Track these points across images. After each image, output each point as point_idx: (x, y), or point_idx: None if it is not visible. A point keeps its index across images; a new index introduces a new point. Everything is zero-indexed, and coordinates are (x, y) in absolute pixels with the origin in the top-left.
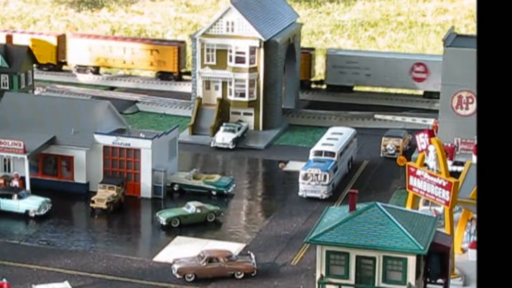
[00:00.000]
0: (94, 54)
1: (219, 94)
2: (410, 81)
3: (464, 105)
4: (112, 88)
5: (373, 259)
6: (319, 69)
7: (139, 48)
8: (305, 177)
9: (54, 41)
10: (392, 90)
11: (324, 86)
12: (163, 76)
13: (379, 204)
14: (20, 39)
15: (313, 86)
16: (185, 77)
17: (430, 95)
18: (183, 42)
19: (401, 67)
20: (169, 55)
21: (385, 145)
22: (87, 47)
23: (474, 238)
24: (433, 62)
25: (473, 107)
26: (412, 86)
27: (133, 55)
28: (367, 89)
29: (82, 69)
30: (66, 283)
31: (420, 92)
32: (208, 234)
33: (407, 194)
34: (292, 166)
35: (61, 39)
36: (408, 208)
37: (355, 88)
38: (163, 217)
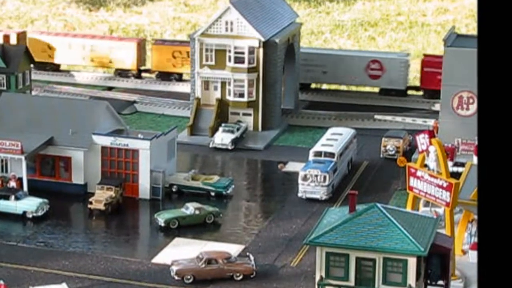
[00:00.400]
0: (53, 51)
1: (218, 94)
2: (366, 78)
3: (464, 106)
4: (110, 88)
5: (373, 260)
6: None
7: (98, 45)
8: (305, 178)
9: (14, 39)
10: (352, 88)
11: None
12: (122, 73)
13: (379, 205)
14: None
15: None
16: (144, 74)
17: (386, 92)
18: (143, 39)
19: (357, 65)
20: (128, 52)
21: (385, 146)
22: (46, 44)
23: (474, 239)
24: (388, 60)
25: (473, 107)
26: (368, 83)
27: (92, 52)
28: (325, 86)
29: (42, 67)
30: (64, 285)
31: (376, 90)
32: (207, 236)
33: (407, 195)
34: (292, 167)
35: (21, 36)
36: (408, 209)
37: (313, 86)
38: (161, 219)
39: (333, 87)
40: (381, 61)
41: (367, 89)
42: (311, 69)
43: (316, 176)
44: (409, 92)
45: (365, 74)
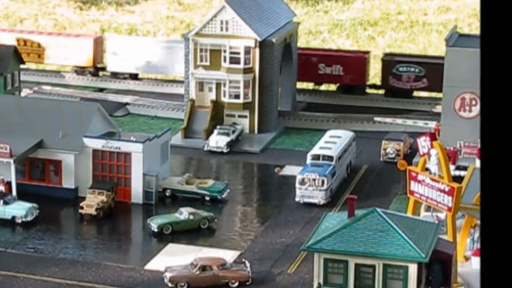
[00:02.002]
0: None
1: (212, 95)
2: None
3: (467, 107)
4: (101, 90)
5: (373, 267)
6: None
7: (55, 42)
8: (302, 182)
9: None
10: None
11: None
12: (79, 71)
13: (379, 210)
14: None
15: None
16: (101, 72)
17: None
18: (100, 36)
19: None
20: (85, 49)
21: (385, 149)
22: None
23: (477, 245)
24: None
25: (476, 109)
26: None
27: (49, 50)
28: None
29: None
30: None
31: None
32: (201, 241)
33: (408, 199)
34: (289, 170)
35: None
36: (409, 214)
37: None
38: (154, 224)
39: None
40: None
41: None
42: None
43: (314, 180)
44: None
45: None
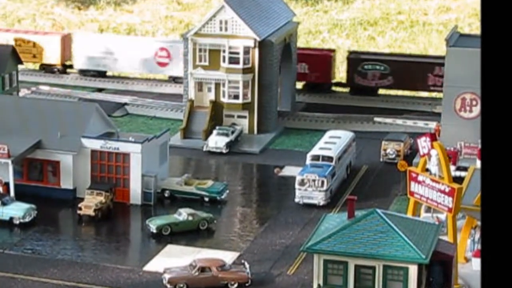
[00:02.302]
0: None
1: (212, 96)
2: (155, 66)
3: (467, 108)
4: (100, 90)
5: (373, 268)
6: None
7: (22, 40)
8: (302, 182)
9: None
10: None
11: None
12: (47, 68)
13: (379, 211)
14: None
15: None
16: (69, 70)
17: (175, 80)
18: (68, 34)
19: (145, 52)
20: (53, 47)
21: (385, 150)
22: None
23: (478, 246)
24: (175, 47)
25: (477, 109)
26: (157, 70)
27: (17, 48)
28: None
29: None
30: None
31: (165, 77)
32: (200, 243)
33: (408, 200)
34: (288, 171)
35: None
36: (409, 215)
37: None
38: (153, 225)
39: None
40: (168, 48)
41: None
42: (103, 56)
43: (314, 180)
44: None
45: (154, 62)
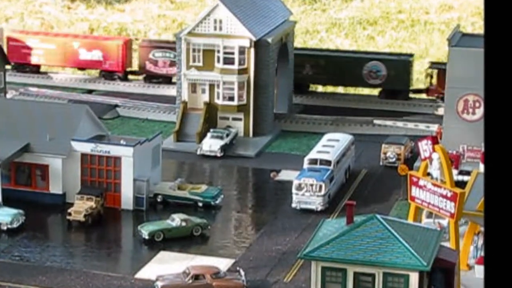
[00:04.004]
0: None
1: (206, 97)
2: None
3: (470, 110)
4: (90, 91)
5: (373, 276)
6: None
7: None
8: (299, 187)
9: None
10: (350, 90)
11: None
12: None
13: (378, 216)
14: None
15: None
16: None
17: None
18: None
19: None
20: None
21: (385, 153)
22: None
23: (481, 253)
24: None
25: (480, 111)
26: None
27: None
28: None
29: None
30: None
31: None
32: (194, 249)
33: (409, 205)
34: (285, 175)
35: None
36: (410, 221)
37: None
38: (145, 231)
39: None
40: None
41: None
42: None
43: (311, 185)
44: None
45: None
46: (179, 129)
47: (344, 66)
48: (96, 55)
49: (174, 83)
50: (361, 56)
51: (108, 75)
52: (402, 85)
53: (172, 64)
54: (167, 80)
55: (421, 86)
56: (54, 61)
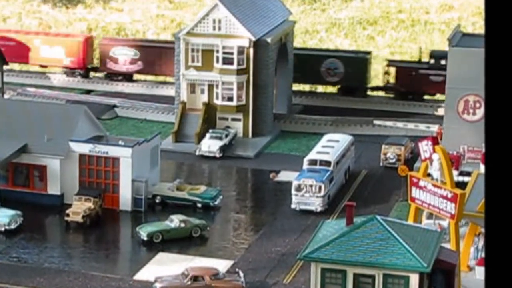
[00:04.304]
0: None
1: (204, 98)
2: None
3: (471, 110)
4: (88, 92)
5: (372, 277)
6: None
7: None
8: (298, 188)
9: None
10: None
11: None
12: None
13: (378, 217)
14: None
15: None
16: None
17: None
18: None
19: None
20: None
21: (385, 154)
22: None
23: (481, 254)
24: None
25: (480, 112)
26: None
27: None
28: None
29: None
30: None
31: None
32: (193, 250)
33: (409, 206)
34: (284, 176)
35: None
36: (410, 222)
37: None
38: (144, 232)
39: (329, 89)
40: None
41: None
42: None
43: (311, 186)
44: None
45: None
46: (178, 129)
47: (302, 64)
48: (58, 52)
49: (135, 81)
50: (319, 54)
51: (69, 72)
52: (359, 82)
53: (133, 61)
54: (127, 77)
55: (380, 83)
56: (15, 58)
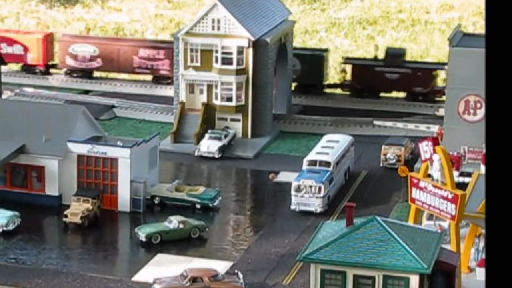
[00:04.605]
0: None
1: (204, 98)
2: None
3: (471, 110)
4: (87, 92)
5: (372, 278)
6: None
7: None
8: (298, 189)
9: None
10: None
11: None
12: None
13: (378, 218)
14: None
15: None
16: None
17: None
18: None
19: None
20: None
21: (385, 154)
22: None
23: (482, 255)
24: None
25: (481, 112)
26: None
27: None
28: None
29: None
30: None
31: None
32: (191, 252)
33: (409, 207)
34: (284, 177)
35: None
36: (410, 223)
37: None
38: (142, 233)
39: (328, 90)
40: None
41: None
42: None
43: (311, 187)
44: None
45: None
46: (177, 130)
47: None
48: (17, 49)
49: (95, 78)
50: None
51: (30, 69)
52: (316, 79)
53: (92, 58)
54: (87, 74)
55: (336, 81)
56: None
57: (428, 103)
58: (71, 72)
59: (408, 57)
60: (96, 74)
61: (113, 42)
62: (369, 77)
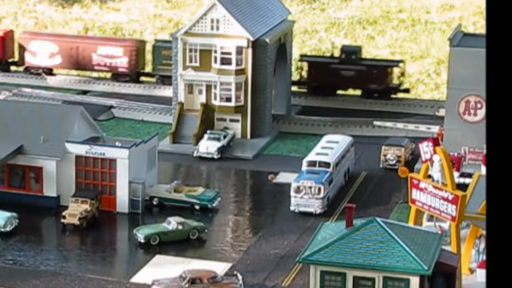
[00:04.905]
0: None
1: (202, 98)
2: None
3: (472, 111)
4: (85, 92)
5: (372, 280)
6: None
7: None
8: (298, 190)
9: None
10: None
11: None
12: None
13: (378, 219)
14: None
15: None
16: None
17: None
18: None
19: None
20: None
21: (385, 155)
22: None
23: (483, 257)
24: None
25: (482, 113)
26: None
27: None
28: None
29: None
30: None
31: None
32: (190, 253)
33: (409, 208)
34: (283, 177)
35: None
36: (410, 224)
37: None
38: (141, 234)
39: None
40: None
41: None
42: None
43: (310, 187)
44: None
45: None
46: (176, 130)
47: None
48: None
49: (54, 75)
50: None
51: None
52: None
53: (52, 55)
54: (47, 71)
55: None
56: None
57: (383, 100)
58: (30, 69)
59: (364, 55)
60: (55, 71)
61: (72, 40)
62: (325, 75)
